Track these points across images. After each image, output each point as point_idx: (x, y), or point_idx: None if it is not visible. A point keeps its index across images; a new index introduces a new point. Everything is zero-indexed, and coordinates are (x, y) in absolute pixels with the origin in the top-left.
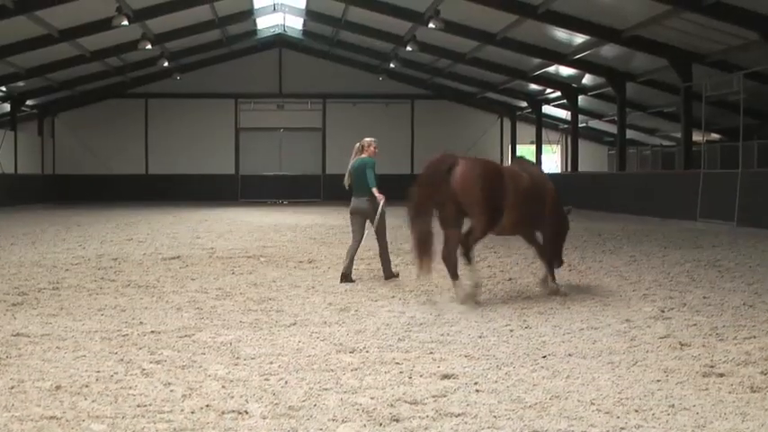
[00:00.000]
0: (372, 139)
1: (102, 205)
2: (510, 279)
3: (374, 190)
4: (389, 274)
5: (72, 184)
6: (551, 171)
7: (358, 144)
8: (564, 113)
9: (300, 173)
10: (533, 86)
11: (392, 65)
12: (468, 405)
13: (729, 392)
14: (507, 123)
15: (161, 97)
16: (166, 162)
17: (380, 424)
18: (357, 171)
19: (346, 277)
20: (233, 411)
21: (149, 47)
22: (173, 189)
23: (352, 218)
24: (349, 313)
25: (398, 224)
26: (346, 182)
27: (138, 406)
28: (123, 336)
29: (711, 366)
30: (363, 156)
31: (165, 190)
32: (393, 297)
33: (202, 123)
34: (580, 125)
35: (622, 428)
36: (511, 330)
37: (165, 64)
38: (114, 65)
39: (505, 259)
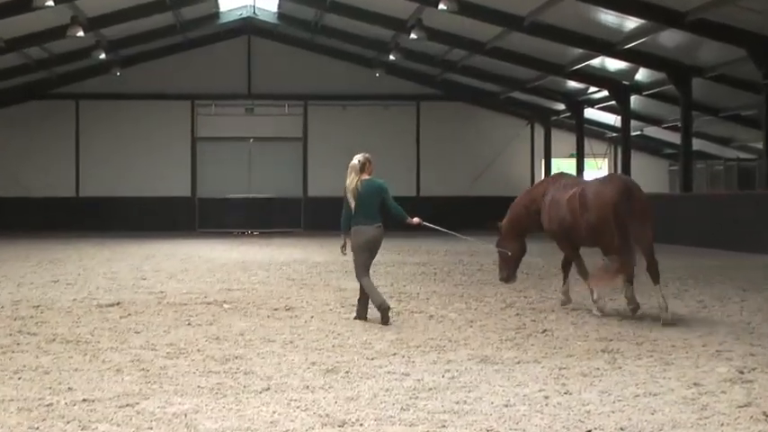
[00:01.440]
0: (368, 154)
1: (18, 237)
2: (545, 331)
3: (414, 219)
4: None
5: None
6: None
7: (356, 161)
8: (612, 118)
9: (275, 195)
10: (572, 84)
11: (392, 57)
12: None
13: None
14: (540, 131)
15: (96, 98)
16: (103, 182)
17: None
18: (368, 196)
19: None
20: None
21: (81, 34)
22: (110, 216)
23: (360, 250)
24: (338, 375)
25: (399, 260)
26: (352, 208)
27: None
28: (47, 406)
29: None
30: (368, 176)
31: (100, 217)
32: (394, 354)
33: (149, 132)
34: (633, 133)
35: None
36: (546, 397)
37: (102, 56)
38: (36, 57)
39: (538, 305)
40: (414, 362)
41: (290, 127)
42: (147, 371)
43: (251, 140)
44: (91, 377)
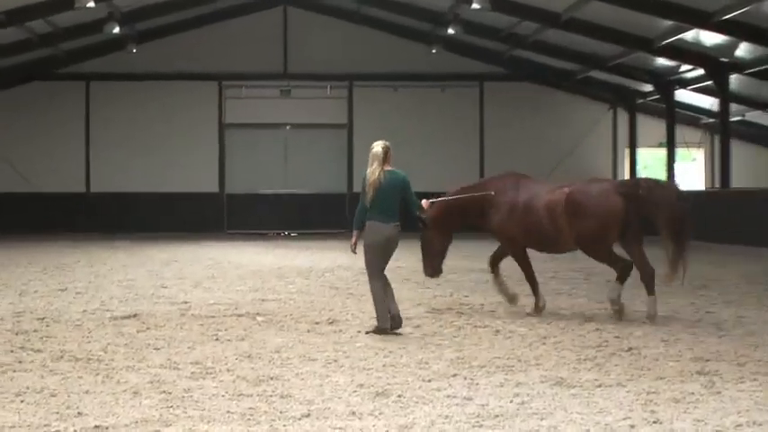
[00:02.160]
0: (387, 142)
1: (22, 239)
2: (630, 349)
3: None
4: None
5: None
6: (691, 187)
7: (379, 147)
8: (708, 101)
9: (315, 190)
10: (662, 61)
11: (451, 30)
12: None
13: None
14: (623, 116)
15: (109, 79)
16: (116, 175)
17: None
18: (390, 190)
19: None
20: None
21: (91, 5)
22: (126, 215)
23: (374, 249)
24: (389, 399)
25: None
26: (368, 200)
27: None
28: None
29: None
30: (391, 168)
31: (114, 216)
32: (454, 375)
33: (170, 118)
34: (733, 119)
35: None
36: (632, 426)
37: (116, 30)
38: (40, 31)
39: (622, 319)
40: (477, 384)
41: (333, 112)
42: (169, 393)
43: (287, 127)
44: (104, 400)
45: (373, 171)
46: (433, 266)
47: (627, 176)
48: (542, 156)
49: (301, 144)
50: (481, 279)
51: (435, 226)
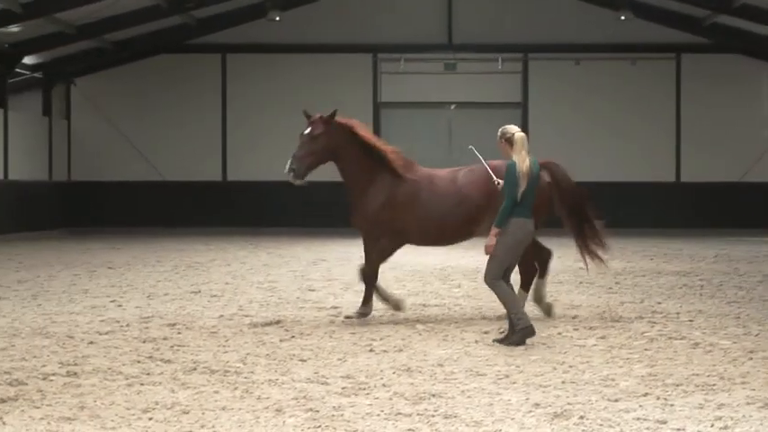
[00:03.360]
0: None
1: (149, 233)
2: None
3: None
4: None
5: (99, 198)
6: None
7: (519, 133)
8: None
9: None
10: None
11: None
12: None
13: None
14: None
15: (248, 51)
16: (257, 162)
17: None
18: (534, 181)
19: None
20: None
21: None
22: (267, 207)
23: (514, 248)
24: (569, 422)
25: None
26: (519, 194)
27: None
28: None
29: None
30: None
31: (253, 208)
32: (645, 395)
33: (318, 96)
34: None
35: None
36: None
37: None
38: None
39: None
40: (672, 405)
41: (505, 88)
42: (317, 411)
43: (452, 106)
44: (242, 418)
45: (523, 159)
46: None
47: None
48: (750, 139)
49: (468, 125)
50: (675, 283)
51: None
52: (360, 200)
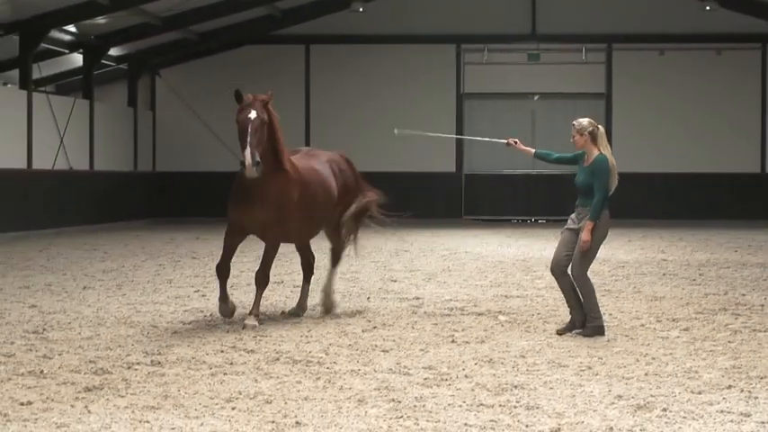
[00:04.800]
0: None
1: None
2: None
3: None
4: None
5: (183, 189)
6: None
7: (600, 126)
8: None
9: (569, 171)
10: None
11: None
12: None
13: None
14: None
15: (332, 42)
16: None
17: None
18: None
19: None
20: None
21: None
22: None
23: (601, 243)
24: (652, 414)
25: None
26: (612, 187)
27: None
28: None
29: None
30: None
31: None
32: (729, 387)
33: (401, 87)
34: None
35: None
36: None
37: None
38: None
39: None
40: (757, 398)
41: (589, 79)
42: (399, 402)
43: (535, 97)
44: (325, 408)
45: (610, 153)
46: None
47: None
48: None
49: (552, 116)
50: (760, 275)
51: None
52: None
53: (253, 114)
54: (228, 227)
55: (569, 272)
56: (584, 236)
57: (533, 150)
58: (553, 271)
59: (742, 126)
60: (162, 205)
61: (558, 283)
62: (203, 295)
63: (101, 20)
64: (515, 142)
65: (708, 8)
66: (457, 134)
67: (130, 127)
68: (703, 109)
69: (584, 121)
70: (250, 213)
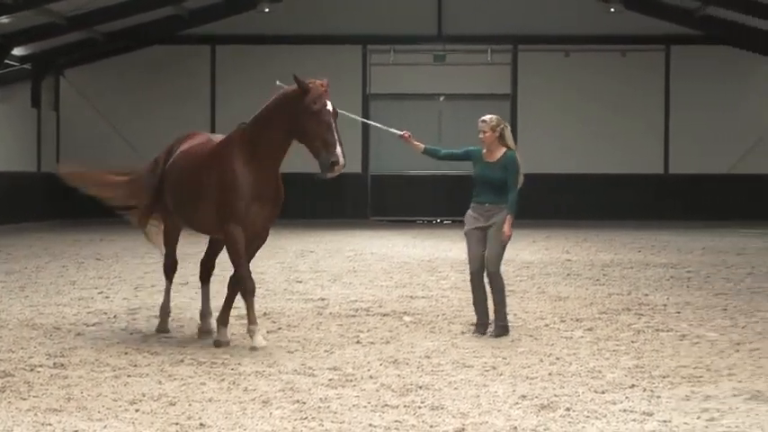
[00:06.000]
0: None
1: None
2: None
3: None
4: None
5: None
6: None
7: (504, 123)
8: None
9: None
10: None
11: None
12: None
13: None
14: None
15: (238, 42)
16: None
17: None
18: None
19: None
20: None
21: None
22: None
23: None
24: (555, 413)
25: None
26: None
27: None
28: None
29: None
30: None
31: None
32: (632, 387)
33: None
34: None
35: None
36: None
37: None
38: None
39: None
40: (659, 397)
41: (495, 80)
42: (304, 403)
43: (441, 98)
44: (229, 410)
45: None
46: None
47: None
48: (738, 131)
49: (458, 117)
50: (663, 275)
51: None
52: None
53: (331, 107)
54: (239, 224)
55: (486, 269)
56: (508, 230)
57: (423, 146)
58: (477, 272)
59: (646, 127)
60: (66, 206)
61: (476, 284)
62: (107, 297)
63: (4, 19)
64: (409, 135)
65: (612, 10)
66: (363, 133)
67: (34, 128)
68: (608, 110)
69: (494, 117)
70: (265, 210)
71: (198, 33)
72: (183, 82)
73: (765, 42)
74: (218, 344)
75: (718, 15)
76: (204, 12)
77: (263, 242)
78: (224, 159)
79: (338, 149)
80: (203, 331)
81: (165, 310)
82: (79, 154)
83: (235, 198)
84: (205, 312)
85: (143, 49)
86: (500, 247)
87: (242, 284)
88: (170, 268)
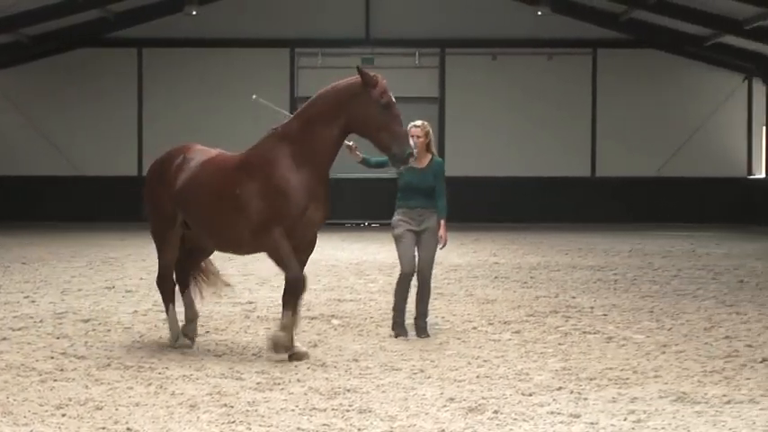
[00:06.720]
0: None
1: (63, 229)
2: (764, 360)
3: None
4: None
5: (11, 194)
6: None
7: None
8: None
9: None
10: None
11: None
12: None
13: None
14: (761, 89)
15: (165, 45)
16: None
17: None
18: None
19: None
20: None
21: None
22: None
23: None
24: (483, 416)
25: None
26: None
27: None
28: None
29: None
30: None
31: None
32: (559, 389)
33: (234, 91)
34: None
35: None
36: None
37: None
38: None
39: (754, 325)
40: (586, 399)
41: (422, 83)
42: (231, 407)
43: None
44: (156, 414)
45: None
46: None
47: (764, 159)
48: (665, 134)
49: None
50: (590, 278)
51: None
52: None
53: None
54: (281, 228)
55: (421, 273)
56: (445, 234)
57: (362, 156)
58: (409, 275)
59: (573, 130)
60: None
61: (405, 285)
62: (33, 301)
63: None
64: (355, 147)
65: (540, 13)
66: None
67: None
68: (535, 113)
69: (425, 123)
70: (318, 214)
71: (125, 36)
72: (110, 84)
73: (691, 45)
74: (298, 357)
75: (644, 19)
76: (131, 14)
77: (314, 246)
78: (269, 166)
79: (411, 141)
80: (189, 337)
81: (174, 326)
82: (4, 156)
83: (286, 205)
84: (192, 317)
85: (70, 51)
86: (434, 252)
87: (298, 287)
88: (171, 291)
